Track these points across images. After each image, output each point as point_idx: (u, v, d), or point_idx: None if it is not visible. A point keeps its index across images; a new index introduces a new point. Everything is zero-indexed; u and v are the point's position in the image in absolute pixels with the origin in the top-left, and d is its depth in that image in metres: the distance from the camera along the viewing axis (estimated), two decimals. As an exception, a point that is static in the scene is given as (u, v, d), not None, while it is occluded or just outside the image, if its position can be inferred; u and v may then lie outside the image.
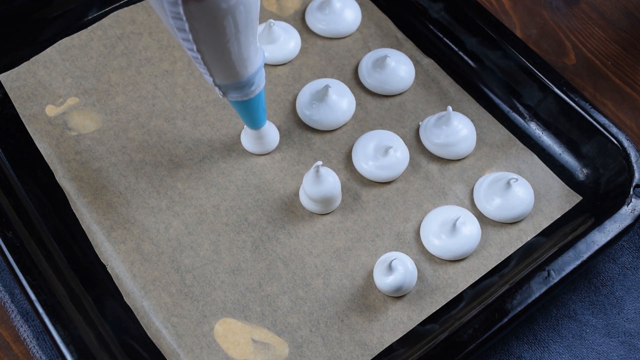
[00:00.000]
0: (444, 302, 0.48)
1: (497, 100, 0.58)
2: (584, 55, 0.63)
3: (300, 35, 0.60)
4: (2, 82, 0.56)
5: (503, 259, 0.50)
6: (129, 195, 0.52)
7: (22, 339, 0.48)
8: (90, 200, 0.51)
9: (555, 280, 0.47)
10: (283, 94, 0.57)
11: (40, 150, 0.53)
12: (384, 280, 0.48)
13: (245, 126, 0.53)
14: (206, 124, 0.55)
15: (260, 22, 0.60)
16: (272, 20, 0.57)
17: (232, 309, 0.48)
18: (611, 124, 0.53)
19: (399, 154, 0.53)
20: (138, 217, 0.51)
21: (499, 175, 0.53)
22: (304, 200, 0.52)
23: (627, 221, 0.49)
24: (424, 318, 0.48)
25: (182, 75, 0.57)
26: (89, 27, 0.59)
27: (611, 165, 0.53)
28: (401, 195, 0.53)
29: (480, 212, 0.52)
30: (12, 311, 0.49)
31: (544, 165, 0.54)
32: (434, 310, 0.48)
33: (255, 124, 0.51)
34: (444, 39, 0.60)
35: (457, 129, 0.54)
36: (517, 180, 0.51)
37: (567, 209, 0.53)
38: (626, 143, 0.52)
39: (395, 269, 0.47)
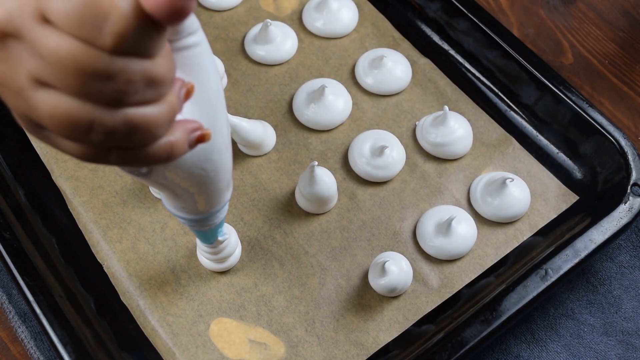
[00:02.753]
0: (440, 302, 0.48)
1: (494, 100, 0.57)
2: (581, 54, 0.62)
3: (297, 35, 0.60)
4: None
5: (499, 258, 0.50)
6: (125, 195, 0.52)
7: (20, 339, 0.48)
8: (86, 200, 0.51)
9: (553, 279, 0.47)
10: (279, 93, 0.57)
11: (37, 150, 0.54)
12: (378, 282, 0.48)
13: (239, 137, 0.52)
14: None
15: (257, 22, 0.60)
16: (269, 20, 0.57)
17: (227, 309, 0.48)
18: (609, 123, 0.53)
19: (395, 154, 0.53)
20: (134, 216, 0.51)
21: (495, 175, 0.52)
22: (300, 199, 0.52)
23: (625, 219, 0.49)
24: (419, 318, 0.48)
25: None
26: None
27: (608, 163, 0.52)
28: (397, 195, 0.53)
29: (476, 212, 0.52)
30: (10, 312, 0.49)
31: (540, 165, 0.54)
32: (430, 310, 0.48)
33: (206, 241, 0.43)
34: (441, 38, 0.60)
35: (454, 129, 0.54)
36: (513, 180, 0.51)
37: (563, 209, 0.52)
38: (623, 142, 0.52)
39: (389, 271, 0.47)
